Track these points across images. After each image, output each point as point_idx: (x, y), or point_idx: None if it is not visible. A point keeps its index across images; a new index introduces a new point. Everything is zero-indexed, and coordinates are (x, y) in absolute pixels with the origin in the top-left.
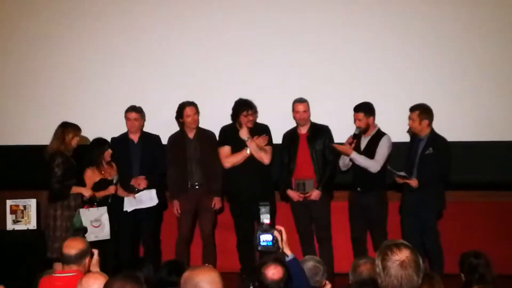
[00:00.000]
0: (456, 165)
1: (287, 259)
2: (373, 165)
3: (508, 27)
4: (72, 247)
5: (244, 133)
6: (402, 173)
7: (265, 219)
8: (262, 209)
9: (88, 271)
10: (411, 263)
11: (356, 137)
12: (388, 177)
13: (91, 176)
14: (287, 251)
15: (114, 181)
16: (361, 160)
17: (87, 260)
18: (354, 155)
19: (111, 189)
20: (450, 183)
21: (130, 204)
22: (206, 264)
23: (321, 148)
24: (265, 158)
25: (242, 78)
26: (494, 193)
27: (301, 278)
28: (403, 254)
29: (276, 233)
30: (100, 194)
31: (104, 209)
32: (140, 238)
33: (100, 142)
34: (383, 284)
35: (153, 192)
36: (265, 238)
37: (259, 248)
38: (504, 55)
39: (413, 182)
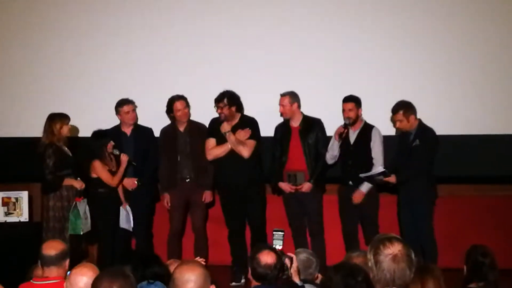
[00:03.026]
0: (449, 159)
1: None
2: (379, 167)
3: (496, 22)
4: (53, 248)
5: (224, 127)
6: (380, 169)
7: (278, 245)
8: (275, 235)
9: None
10: (404, 257)
11: (346, 127)
12: None
13: (103, 167)
14: (296, 279)
15: (117, 153)
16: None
17: (67, 262)
18: (365, 187)
19: (123, 158)
20: (443, 177)
21: (123, 221)
22: (198, 258)
23: (313, 141)
24: (243, 151)
25: (233, 71)
26: (488, 187)
27: None
28: (395, 248)
29: (286, 260)
30: (121, 170)
31: (85, 201)
32: (133, 231)
33: (99, 134)
34: (376, 278)
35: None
36: None
37: None
38: (493, 50)
39: (392, 179)
